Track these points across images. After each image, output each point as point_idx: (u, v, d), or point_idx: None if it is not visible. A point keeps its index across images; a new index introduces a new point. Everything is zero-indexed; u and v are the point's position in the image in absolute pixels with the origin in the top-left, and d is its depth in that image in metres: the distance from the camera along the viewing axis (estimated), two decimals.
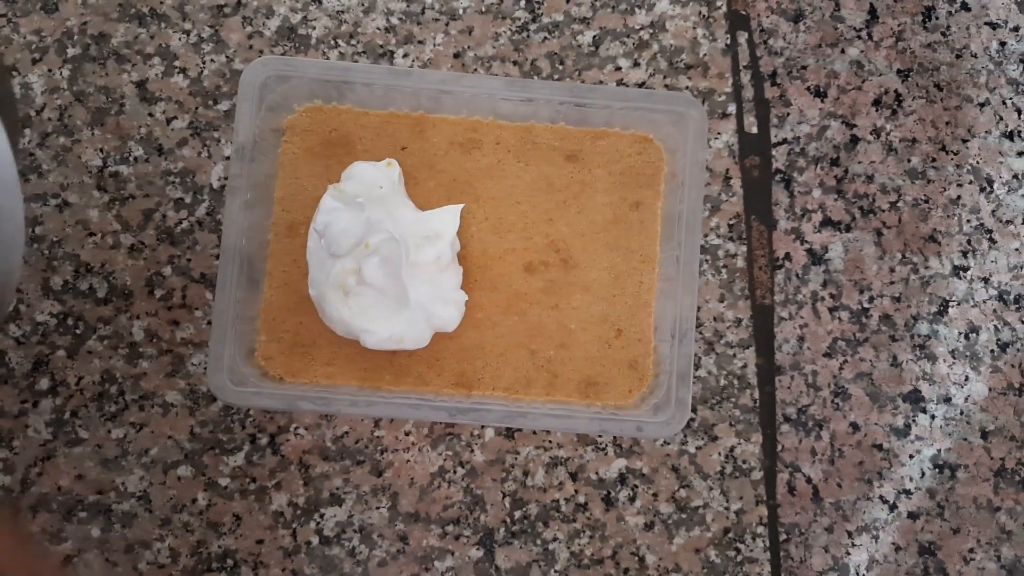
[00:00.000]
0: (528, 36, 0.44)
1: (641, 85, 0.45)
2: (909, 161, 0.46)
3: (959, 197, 0.46)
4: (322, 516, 0.42)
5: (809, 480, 0.44)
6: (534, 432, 0.43)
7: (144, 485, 0.42)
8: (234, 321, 0.39)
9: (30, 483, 0.42)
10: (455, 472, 0.43)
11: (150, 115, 0.43)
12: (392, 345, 0.40)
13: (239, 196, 0.39)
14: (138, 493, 0.42)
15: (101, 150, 0.43)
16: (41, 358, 0.42)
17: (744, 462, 0.43)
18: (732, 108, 0.45)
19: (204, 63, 0.44)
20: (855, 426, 0.44)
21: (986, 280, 0.45)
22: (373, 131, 0.42)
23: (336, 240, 0.39)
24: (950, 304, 0.45)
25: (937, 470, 0.44)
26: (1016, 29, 0.46)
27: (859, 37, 0.46)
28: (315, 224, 0.40)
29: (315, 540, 0.42)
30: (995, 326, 0.45)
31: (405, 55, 0.44)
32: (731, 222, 0.44)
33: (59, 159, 0.43)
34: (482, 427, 0.43)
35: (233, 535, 0.42)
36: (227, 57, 0.44)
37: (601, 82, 0.44)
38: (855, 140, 0.45)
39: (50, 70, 0.43)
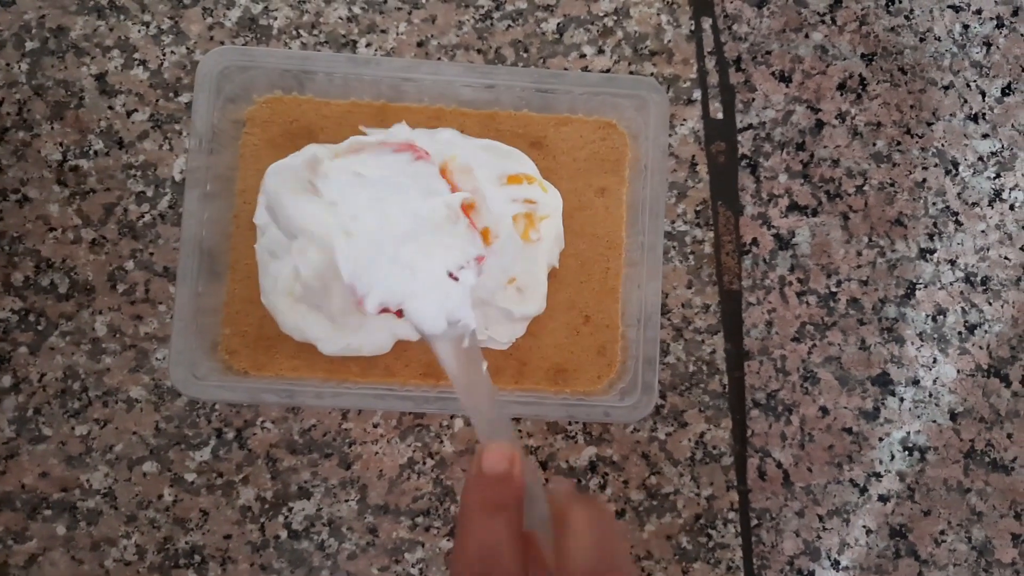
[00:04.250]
0: (492, 24, 0.44)
1: (606, 72, 0.44)
2: (874, 145, 0.46)
3: (924, 180, 0.46)
4: (290, 510, 0.42)
5: (779, 465, 0.44)
6: None
7: (109, 482, 0.42)
8: (196, 315, 0.39)
9: None
10: (424, 463, 0.42)
11: (110, 108, 0.43)
12: (351, 353, 0.39)
13: (199, 188, 0.39)
14: (103, 490, 0.42)
15: (61, 144, 0.43)
16: (3, 355, 0.42)
17: (714, 448, 0.43)
18: (697, 94, 0.45)
19: (164, 55, 0.43)
20: (824, 410, 0.44)
21: (952, 262, 0.45)
22: (335, 121, 0.42)
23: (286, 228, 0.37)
24: (917, 287, 0.45)
25: (907, 453, 0.44)
26: (979, 12, 0.47)
27: (823, 22, 0.46)
28: (257, 216, 0.39)
29: (284, 534, 0.42)
30: (962, 308, 0.45)
31: (368, 44, 0.44)
32: (698, 208, 0.44)
33: (18, 154, 0.42)
34: (451, 417, 0.43)
35: (200, 531, 0.42)
36: (187, 49, 0.43)
37: (565, 69, 0.44)
38: (820, 125, 0.46)
39: (8, 64, 0.43)
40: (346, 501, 0.42)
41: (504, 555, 0.27)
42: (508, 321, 0.39)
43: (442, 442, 0.43)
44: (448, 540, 0.42)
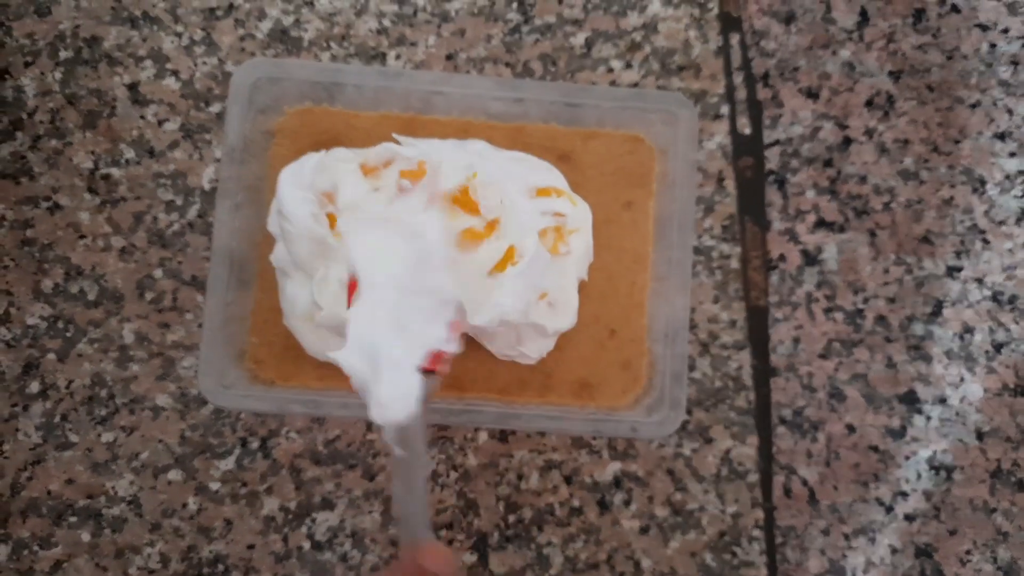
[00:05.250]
0: (520, 38, 0.45)
1: (634, 87, 0.45)
2: (902, 162, 0.46)
3: (952, 198, 0.45)
4: (314, 521, 0.42)
5: (805, 482, 0.44)
6: (528, 435, 0.43)
7: (134, 489, 0.42)
8: (225, 324, 0.39)
9: (20, 487, 0.41)
10: (448, 476, 0.42)
11: (142, 117, 0.43)
12: None
13: (230, 198, 0.39)
14: (128, 497, 0.42)
15: (92, 152, 0.43)
16: (31, 361, 0.42)
17: (740, 464, 0.43)
18: (725, 109, 0.45)
19: (196, 66, 0.44)
20: (851, 428, 0.44)
21: (980, 281, 0.45)
22: (364, 132, 0.42)
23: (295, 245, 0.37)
24: (944, 305, 0.45)
25: (933, 472, 0.44)
26: (1006, 31, 0.47)
27: (850, 39, 0.46)
28: (270, 224, 0.39)
29: (307, 545, 0.42)
30: (989, 327, 0.45)
31: (397, 57, 0.44)
32: (725, 223, 0.44)
33: (50, 162, 0.43)
34: (475, 430, 0.43)
35: (224, 540, 0.42)
36: (219, 59, 0.44)
37: (593, 83, 0.44)
38: (848, 141, 0.45)
39: (42, 73, 0.43)
40: (369, 512, 0.42)
41: None
42: (540, 336, 0.39)
43: (466, 455, 0.43)
44: (471, 553, 0.42)
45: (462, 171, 0.37)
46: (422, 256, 0.34)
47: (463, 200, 0.37)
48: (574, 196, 0.40)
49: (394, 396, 0.31)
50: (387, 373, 0.31)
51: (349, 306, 0.33)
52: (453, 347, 0.33)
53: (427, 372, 0.32)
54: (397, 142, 0.39)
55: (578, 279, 0.40)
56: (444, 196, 0.37)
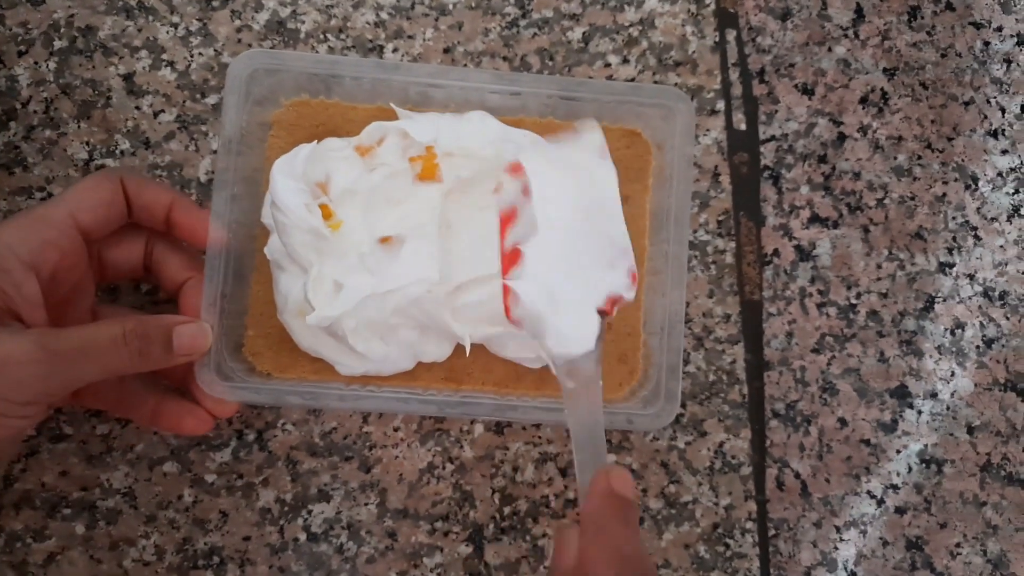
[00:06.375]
0: (518, 32, 0.45)
1: (631, 82, 0.45)
2: (895, 159, 0.46)
3: (944, 194, 0.46)
4: (310, 512, 0.42)
5: (797, 475, 0.44)
6: (524, 428, 0.43)
7: (129, 482, 0.42)
8: (221, 316, 0.39)
9: (13, 479, 0.41)
10: (444, 468, 0.43)
11: (137, 108, 0.43)
12: (371, 374, 0.40)
13: (226, 190, 0.39)
14: (123, 490, 0.42)
15: (87, 143, 0.43)
16: None
17: (733, 457, 0.44)
18: (720, 105, 0.45)
19: (192, 56, 0.43)
20: (843, 421, 0.44)
21: (971, 277, 0.46)
22: (361, 125, 0.41)
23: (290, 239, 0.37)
24: (936, 300, 0.45)
25: (924, 465, 0.44)
26: (999, 29, 0.47)
27: (846, 36, 0.46)
28: (264, 215, 0.39)
29: (303, 537, 0.42)
30: (980, 322, 0.45)
31: (395, 50, 0.44)
32: (720, 218, 0.45)
33: (45, 152, 0.43)
34: (471, 422, 0.43)
35: (219, 532, 0.42)
36: (215, 51, 0.44)
37: (590, 78, 0.44)
38: (842, 137, 0.46)
39: (36, 63, 0.43)
40: (365, 504, 0.42)
41: (645, 560, 0.30)
42: None
43: (462, 447, 0.43)
44: (467, 545, 0.42)
45: (486, 149, 0.38)
46: (597, 204, 0.35)
47: None
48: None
49: (572, 332, 0.33)
50: (566, 310, 0.33)
51: (503, 238, 0.35)
52: (631, 295, 0.35)
53: (603, 313, 0.34)
54: (395, 115, 0.39)
55: None
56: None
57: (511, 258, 0.34)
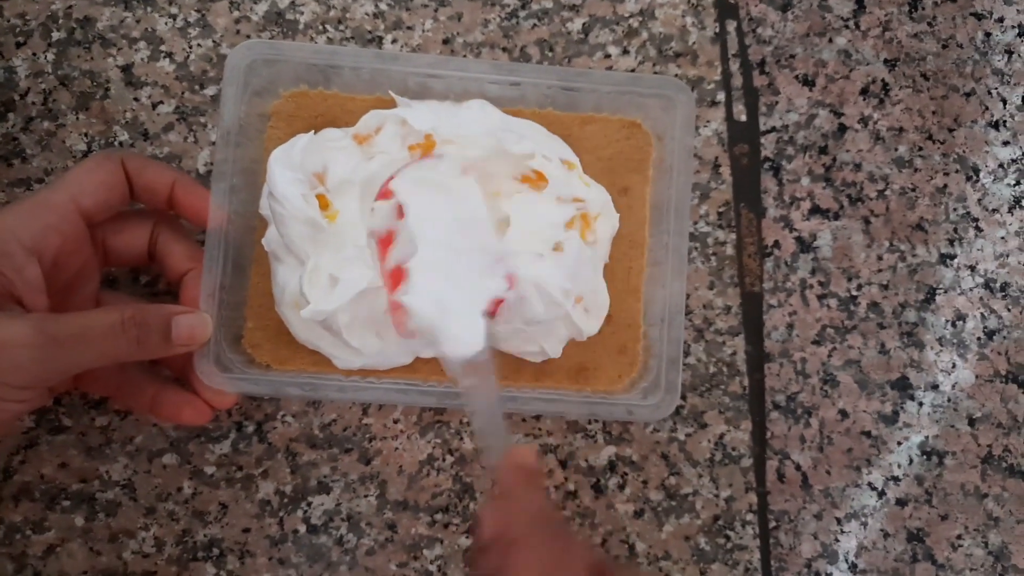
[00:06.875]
0: (517, 23, 0.44)
1: (631, 72, 0.44)
2: (896, 150, 0.46)
3: (946, 186, 0.46)
4: (309, 504, 0.42)
5: (798, 467, 0.44)
6: (523, 419, 0.43)
7: (128, 473, 0.42)
8: (220, 307, 0.39)
9: (12, 471, 0.41)
10: (444, 460, 0.42)
11: (136, 100, 0.43)
12: (369, 367, 0.39)
13: (225, 181, 0.39)
14: (122, 482, 0.41)
15: (86, 135, 0.43)
16: None
17: (733, 449, 0.43)
18: (721, 96, 0.45)
19: (191, 47, 0.43)
20: (844, 413, 0.44)
21: (972, 268, 0.45)
22: (359, 116, 0.41)
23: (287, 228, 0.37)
24: (937, 292, 0.45)
25: (925, 457, 0.44)
26: (1001, 20, 0.47)
27: (846, 26, 0.46)
28: (262, 207, 0.39)
29: (302, 529, 0.42)
30: (982, 314, 0.45)
31: (394, 41, 0.44)
32: (720, 210, 0.44)
33: (43, 144, 0.42)
34: (472, 414, 0.43)
35: (219, 524, 0.42)
36: (214, 42, 0.43)
37: (590, 69, 0.44)
38: (843, 129, 0.46)
39: (34, 54, 0.43)
40: (365, 496, 0.42)
41: (552, 514, 0.33)
42: (570, 337, 0.39)
43: (462, 439, 0.43)
44: (467, 537, 0.42)
45: (486, 138, 0.38)
46: (467, 218, 0.37)
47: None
48: (585, 177, 0.40)
49: (464, 335, 0.35)
50: (455, 316, 0.35)
51: (382, 260, 0.37)
52: (512, 294, 0.37)
53: (489, 314, 0.36)
54: (394, 102, 0.39)
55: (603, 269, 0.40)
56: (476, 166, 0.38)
57: (396, 276, 0.36)
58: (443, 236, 0.36)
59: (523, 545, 0.31)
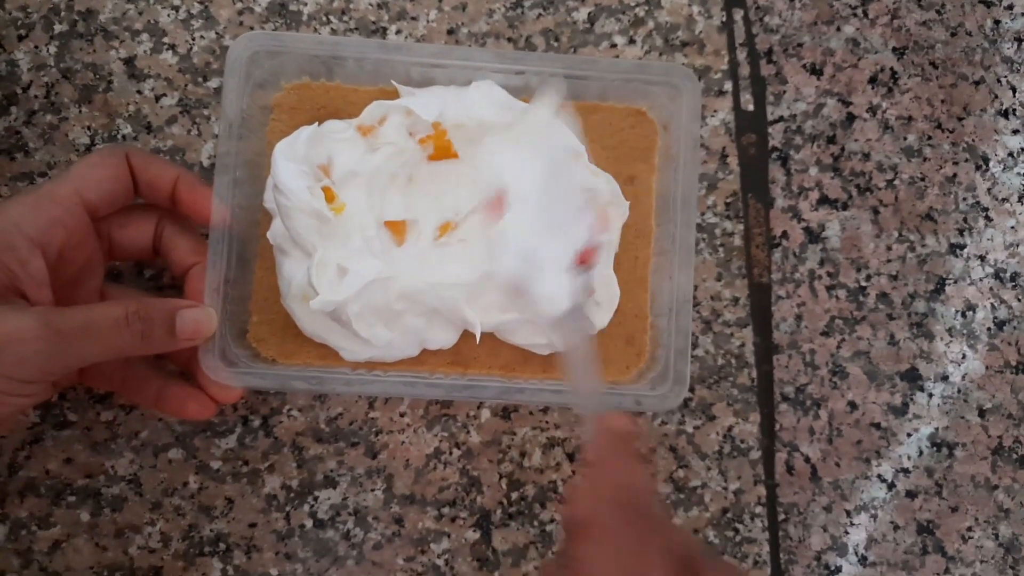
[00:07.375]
0: (522, 12, 0.44)
1: (636, 60, 0.44)
2: (905, 139, 0.45)
3: (955, 175, 0.45)
4: (316, 499, 0.42)
5: (807, 459, 0.44)
6: (531, 412, 0.43)
7: (134, 468, 0.41)
8: (225, 301, 0.38)
9: (18, 467, 0.41)
10: (451, 453, 0.42)
11: (139, 92, 0.43)
12: (376, 359, 0.39)
13: (228, 174, 0.39)
14: (128, 476, 0.41)
15: (89, 128, 0.42)
16: None
17: (742, 441, 0.43)
18: (728, 85, 0.45)
19: (193, 40, 0.43)
20: (853, 405, 0.44)
21: (982, 258, 0.45)
22: (363, 108, 0.41)
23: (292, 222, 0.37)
24: (947, 282, 0.45)
25: (935, 448, 0.44)
26: (1010, 8, 0.46)
27: (854, 15, 0.46)
28: (266, 199, 0.39)
29: (309, 523, 0.42)
30: (992, 304, 0.45)
31: (398, 31, 0.44)
32: (728, 200, 0.44)
33: (46, 137, 0.42)
34: (478, 407, 0.42)
35: (225, 518, 0.41)
36: (217, 34, 0.43)
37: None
38: (851, 118, 0.45)
39: (36, 47, 0.42)
40: (372, 490, 0.42)
41: (640, 487, 0.31)
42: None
43: (468, 432, 0.42)
44: (474, 531, 0.42)
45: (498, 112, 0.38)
46: (555, 163, 0.36)
47: None
48: (591, 166, 0.40)
49: (557, 290, 0.34)
50: (548, 271, 0.35)
51: (492, 220, 0.36)
52: (603, 238, 0.37)
53: (582, 264, 0.36)
54: (396, 93, 0.39)
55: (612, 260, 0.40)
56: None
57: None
58: (536, 187, 0.35)
59: (598, 532, 0.29)
